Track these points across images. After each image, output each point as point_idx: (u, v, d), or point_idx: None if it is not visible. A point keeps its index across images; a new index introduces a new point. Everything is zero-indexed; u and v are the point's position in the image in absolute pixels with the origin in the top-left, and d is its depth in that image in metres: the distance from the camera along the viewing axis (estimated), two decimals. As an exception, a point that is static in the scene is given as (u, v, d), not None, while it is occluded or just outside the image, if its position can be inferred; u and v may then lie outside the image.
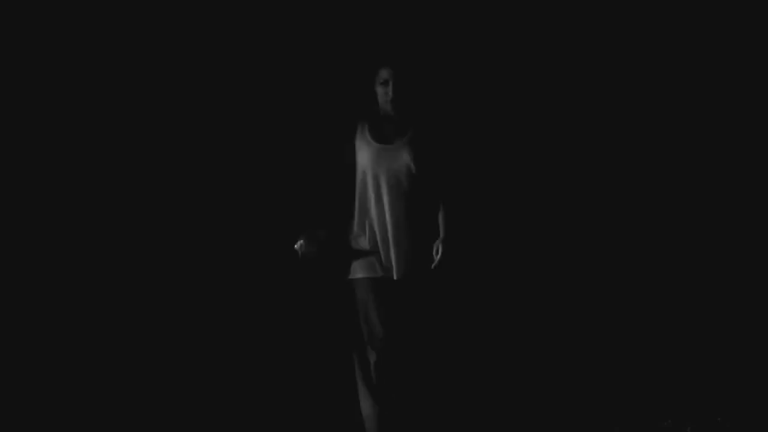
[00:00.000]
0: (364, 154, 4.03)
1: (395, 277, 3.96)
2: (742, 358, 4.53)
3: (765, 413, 4.34)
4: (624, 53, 4.63)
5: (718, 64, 4.55)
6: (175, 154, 4.62)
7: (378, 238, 3.99)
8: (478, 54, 4.77)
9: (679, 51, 4.56)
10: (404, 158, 3.98)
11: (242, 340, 4.61)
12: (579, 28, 4.66)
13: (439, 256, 3.91)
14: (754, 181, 4.55)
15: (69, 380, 4.52)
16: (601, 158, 4.65)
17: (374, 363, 3.94)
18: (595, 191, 4.63)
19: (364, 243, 4.01)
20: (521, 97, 4.75)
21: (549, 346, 4.60)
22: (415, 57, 4.14)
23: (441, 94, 4.60)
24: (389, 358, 3.92)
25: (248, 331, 4.61)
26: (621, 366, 4.58)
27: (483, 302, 4.59)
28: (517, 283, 4.61)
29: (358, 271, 4.02)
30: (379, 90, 4.03)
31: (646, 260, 4.59)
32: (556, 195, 4.66)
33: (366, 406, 3.99)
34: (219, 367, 4.60)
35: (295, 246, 3.96)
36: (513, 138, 4.75)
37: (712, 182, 4.57)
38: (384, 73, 4.01)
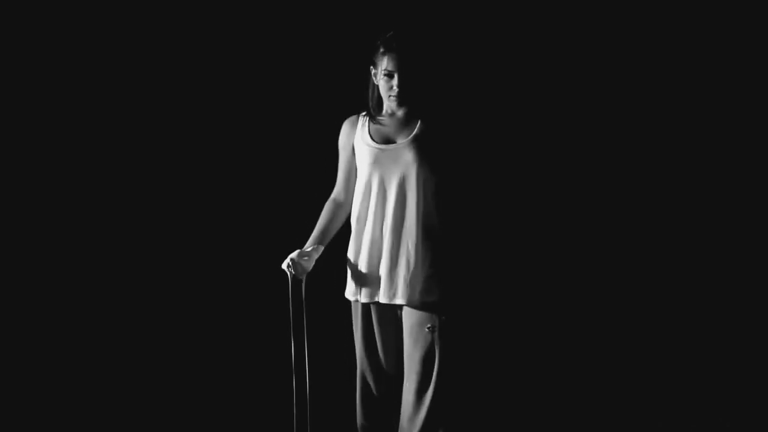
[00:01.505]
0: (363, 157, 3.51)
1: (383, 301, 3.47)
2: (742, 358, 4.53)
3: (765, 413, 4.34)
4: (644, 52, 4.59)
5: (718, 64, 4.55)
6: (167, 155, 4.61)
7: (370, 255, 3.49)
8: (497, 38, 4.56)
9: (682, 51, 4.56)
10: (406, 161, 3.43)
11: (240, 344, 4.60)
12: (603, 19, 4.59)
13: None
14: (754, 181, 4.55)
15: (68, 380, 4.52)
16: (611, 157, 4.62)
17: (372, 384, 3.58)
18: (596, 190, 4.62)
19: (359, 260, 3.52)
20: (542, 90, 4.58)
21: (549, 346, 4.60)
22: (424, 43, 3.51)
23: (454, 85, 4.27)
24: (385, 385, 3.56)
25: (247, 334, 4.60)
26: (621, 366, 4.57)
27: (481, 300, 4.56)
28: (516, 281, 4.59)
29: (353, 293, 3.55)
30: (382, 83, 3.45)
31: (646, 260, 4.59)
32: (562, 195, 4.62)
33: (360, 415, 3.63)
34: (218, 370, 4.60)
35: (283, 266, 3.50)
36: (533, 138, 4.60)
37: (712, 182, 4.57)
38: (388, 63, 3.41)
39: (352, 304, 3.60)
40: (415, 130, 3.47)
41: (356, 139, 3.55)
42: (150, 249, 4.60)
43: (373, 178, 3.48)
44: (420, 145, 3.44)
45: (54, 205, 4.53)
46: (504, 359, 4.57)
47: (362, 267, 3.51)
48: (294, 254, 3.48)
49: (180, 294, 4.59)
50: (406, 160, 3.44)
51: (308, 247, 3.53)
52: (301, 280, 3.51)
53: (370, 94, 3.53)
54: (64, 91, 4.53)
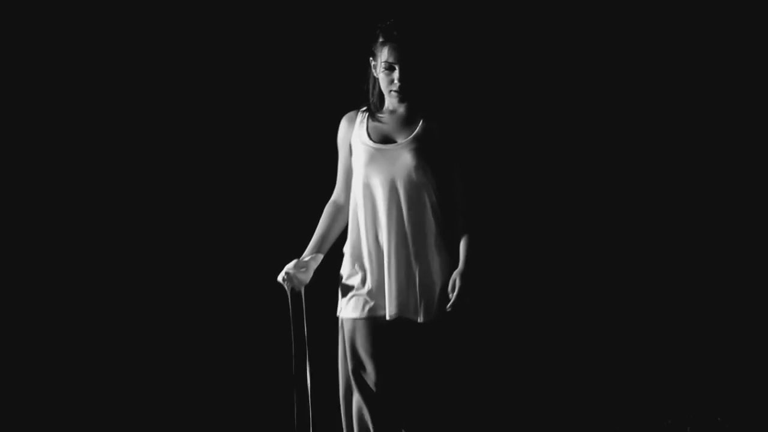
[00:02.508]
0: (359, 157, 3.18)
1: (387, 317, 3.12)
2: (742, 358, 4.53)
3: (765, 413, 4.34)
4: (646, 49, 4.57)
5: (719, 64, 4.54)
6: (160, 159, 4.57)
7: (369, 265, 3.16)
8: (505, 28, 4.40)
9: (683, 51, 4.55)
10: (405, 162, 3.11)
11: (240, 358, 4.56)
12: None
13: (456, 292, 3.06)
14: (754, 181, 4.55)
15: (68, 380, 4.51)
16: (621, 163, 4.59)
17: (366, 408, 3.16)
18: (596, 190, 4.61)
19: (355, 271, 3.19)
20: (554, 87, 4.48)
21: (549, 346, 4.59)
22: (427, 31, 3.18)
23: (460, 80, 4.09)
24: (381, 408, 3.15)
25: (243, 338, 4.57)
26: (621, 366, 4.56)
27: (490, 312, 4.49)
28: (516, 280, 4.57)
29: (347, 309, 3.20)
30: (382, 77, 3.14)
31: (646, 260, 4.58)
32: (572, 199, 4.57)
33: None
34: (217, 383, 4.57)
35: (279, 279, 3.21)
36: (543, 139, 4.50)
37: (712, 182, 4.56)
38: (389, 55, 3.10)
39: (344, 321, 3.23)
40: (417, 129, 3.16)
41: (353, 137, 3.23)
42: (144, 257, 4.55)
43: (370, 181, 3.16)
44: (420, 146, 3.13)
45: (47, 213, 4.51)
46: (512, 368, 4.54)
47: (359, 280, 3.18)
48: (290, 266, 3.21)
49: (176, 306, 4.54)
50: (404, 161, 3.13)
51: (306, 256, 3.24)
52: (300, 293, 3.22)
53: (370, 88, 3.23)
54: (63, 92, 4.51)
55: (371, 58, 3.18)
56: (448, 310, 3.09)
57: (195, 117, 4.56)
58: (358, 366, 3.17)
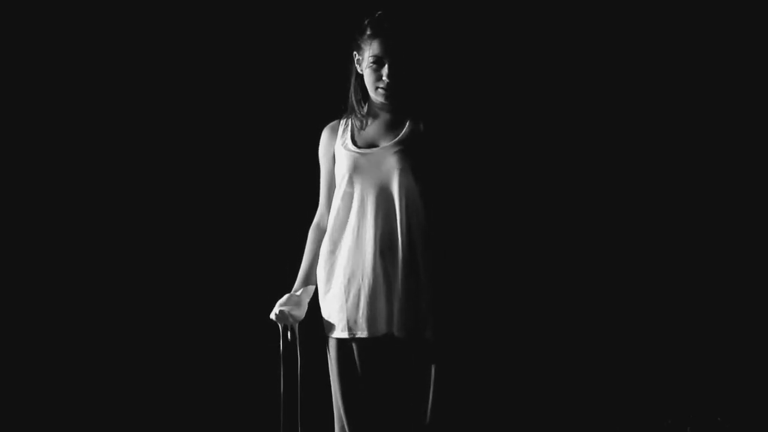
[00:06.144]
0: (342, 164, 3.00)
1: (365, 335, 2.93)
2: (742, 358, 4.53)
3: (765, 413, 4.34)
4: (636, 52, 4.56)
5: (718, 64, 4.53)
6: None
7: (348, 280, 2.95)
8: (500, 25, 4.26)
9: (679, 51, 4.55)
10: (389, 167, 2.92)
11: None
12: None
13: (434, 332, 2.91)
14: (754, 181, 4.54)
15: (68, 380, 4.52)
16: (619, 168, 4.57)
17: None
18: (596, 191, 4.61)
19: (337, 285, 2.98)
20: (550, 89, 4.39)
21: (549, 345, 4.59)
22: (420, 24, 3.05)
23: (451, 79, 3.94)
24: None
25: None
26: (621, 366, 4.57)
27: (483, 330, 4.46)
28: (516, 280, 4.57)
29: (334, 328, 2.99)
30: (368, 72, 2.95)
31: (646, 260, 4.58)
32: (570, 205, 4.55)
33: None
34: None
35: (272, 317, 2.99)
36: (537, 142, 4.43)
37: (712, 182, 4.56)
38: (378, 48, 2.91)
39: (330, 341, 3.05)
40: (402, 131, 2.98)
41: (337, 145, 3.05)
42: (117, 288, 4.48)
43: (354, 188, 2.97)
44: (406, 149, 2.95)
45: (54, 204, 4.51)
46: (512, 368, 4.52)
47: (340, 296, 2.98)
48: (283, 302, 3.00)
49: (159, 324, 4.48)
50: (389, 166, 2.94)
51: (297, 289, 3.04)
52: (294, 330, 3.00)
53: (352, 86, 3.07)
54: (63, 92, 4.51)
55: (355, 52, 3.02)
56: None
57: (181, 125, 4.49)
58: (349, 389, 3.00)
